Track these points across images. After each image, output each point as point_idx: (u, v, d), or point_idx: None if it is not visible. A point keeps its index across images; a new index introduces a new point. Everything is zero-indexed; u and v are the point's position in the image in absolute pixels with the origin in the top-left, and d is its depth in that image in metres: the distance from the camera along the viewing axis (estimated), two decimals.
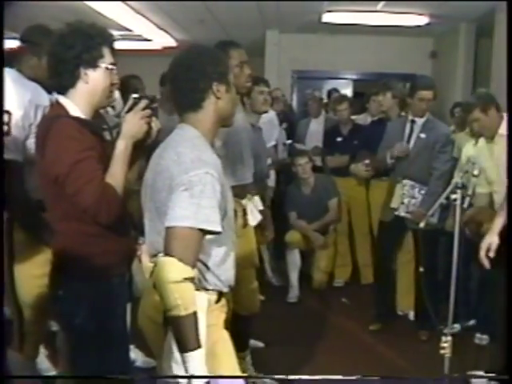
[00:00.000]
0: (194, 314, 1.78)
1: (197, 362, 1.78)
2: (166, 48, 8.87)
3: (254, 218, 3.42)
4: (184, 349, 1.78)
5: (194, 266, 1.82)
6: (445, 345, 2.58)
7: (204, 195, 1.82)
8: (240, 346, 3.31)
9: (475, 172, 2.60)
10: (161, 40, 8.70)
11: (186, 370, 1.78)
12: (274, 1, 6.61)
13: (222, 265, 1.98)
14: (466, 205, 2.55)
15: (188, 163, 1.84)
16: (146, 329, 2.12)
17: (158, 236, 1.94)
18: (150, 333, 2.10)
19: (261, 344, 4.20)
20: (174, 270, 1.77)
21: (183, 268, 1.78)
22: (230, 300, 3.12)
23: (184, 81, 1.96)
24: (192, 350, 1.77)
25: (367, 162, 4.90)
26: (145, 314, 2.10)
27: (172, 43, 8.85)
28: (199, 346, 1.79)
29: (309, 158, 5.40)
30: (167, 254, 1.81)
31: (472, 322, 3.72)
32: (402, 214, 4.32)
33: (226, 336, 2.05)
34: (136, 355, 3.67)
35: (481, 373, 3.68)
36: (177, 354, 1.85)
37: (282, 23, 8.07)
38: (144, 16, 7.18)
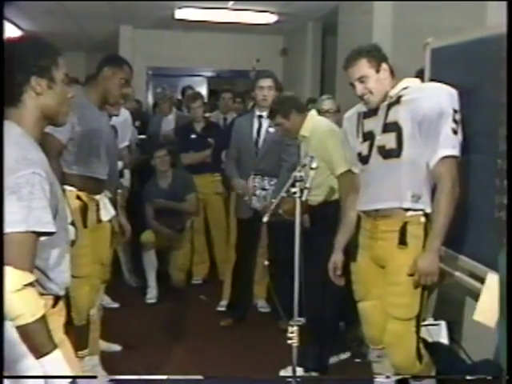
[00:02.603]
0: (43, 317, 1.71)
1: (56, 363, 1.72)
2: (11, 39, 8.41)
3: (106, 213, 3.43)
4: (40, 354, 1.71)
5: (31, 271, 1.74)
6: (291, 335, 2.66)
7: (33, 196, 1.73)
8: (79, 343, 3.25)
9: (313, 165, 2.68)
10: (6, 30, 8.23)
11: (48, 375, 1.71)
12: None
13: (57, 267, 1.90)
14: (304, 197, 2.62)
15: (13, 164, 1.73)
16: None
17: None
18: None
19: (117, 347, 4.10)
20: (12, 279, 1.68)
21: (21, 275, 1.69)
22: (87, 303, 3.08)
23: (3, 73, 1.85)
24: (48, 353, 1.71)
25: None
26: None
27: (18, 34, 8.42)
28: (55, 347, 1.73)
29: (168, 151, 5.38)
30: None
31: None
32: (256, 206, 4.39)
33: (65, 340, 1.98)
34: None
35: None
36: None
37: (136, 18, 7.94)
38: None
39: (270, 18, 7.29)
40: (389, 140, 2.72)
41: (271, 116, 3.91)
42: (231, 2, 6.68)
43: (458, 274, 3.18)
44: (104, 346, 3.90)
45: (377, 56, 2.75)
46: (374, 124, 2.79)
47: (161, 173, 5.39)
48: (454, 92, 2.68)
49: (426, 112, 2.62)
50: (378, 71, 2.73)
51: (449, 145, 2.60)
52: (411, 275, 2.65)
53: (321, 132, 3.69)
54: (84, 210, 3.25)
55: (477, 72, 3.02)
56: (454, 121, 2.62)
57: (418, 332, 2.75)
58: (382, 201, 2.75)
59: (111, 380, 3.52)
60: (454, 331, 3.67)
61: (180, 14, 7.25)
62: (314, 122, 3.76)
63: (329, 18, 6.95)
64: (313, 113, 3.86)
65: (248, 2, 6.69)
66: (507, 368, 1.82)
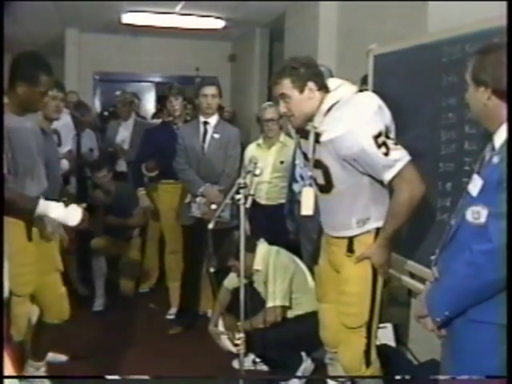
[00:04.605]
0: None
1: None
2: None
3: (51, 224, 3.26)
4: None
5: None
6: (238, 342, 2.65)
7: None
8: (38, 355, 3.34)
9: (257, 172, 2.66)
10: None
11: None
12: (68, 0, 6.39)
13: None
14: (248, 204, 2.60)
15: None
16: None
17: None
18: None
19: (63, 358, 4.00)
20: None
21: None
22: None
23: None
24: None
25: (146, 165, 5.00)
26: None
27: None
28: None
29: (107, 170, 5.25)
30: None
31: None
32: (195, 213, 4.34)
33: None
34: None
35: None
36: None
37: (82, 22, 7.80)
38: None
39: (217, 24, 7.29)
40: (318, 175, 2.68)
41: None
42: (179, 7, 6.65)
43: (402, 276, 3.22)
44: (50, 356, 3.80)
45: (303, 74, 2.55)
46: (307, 148, 2.72)
47: (104, 190, 5.27)
48: (374, 109, 2.52)
49: (345, 153, 2.49)
50: (301, 91, 2.56)
51: (388, 167, 2.47)
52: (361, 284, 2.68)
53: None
54: (28, 222, 3.09)
55: (418, 78, 3.08)
56: (380, 145, 2.44)
57: (368, 338, 2.73)
58: (332, 230, 2.78)
59: None
60: (400, 333, 3.73)
61: (127, 18, 7.18)
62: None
63: (276, 24, 6.99)
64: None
65: (196, 8, 6.67)
66: (507, 368, 1.82)
